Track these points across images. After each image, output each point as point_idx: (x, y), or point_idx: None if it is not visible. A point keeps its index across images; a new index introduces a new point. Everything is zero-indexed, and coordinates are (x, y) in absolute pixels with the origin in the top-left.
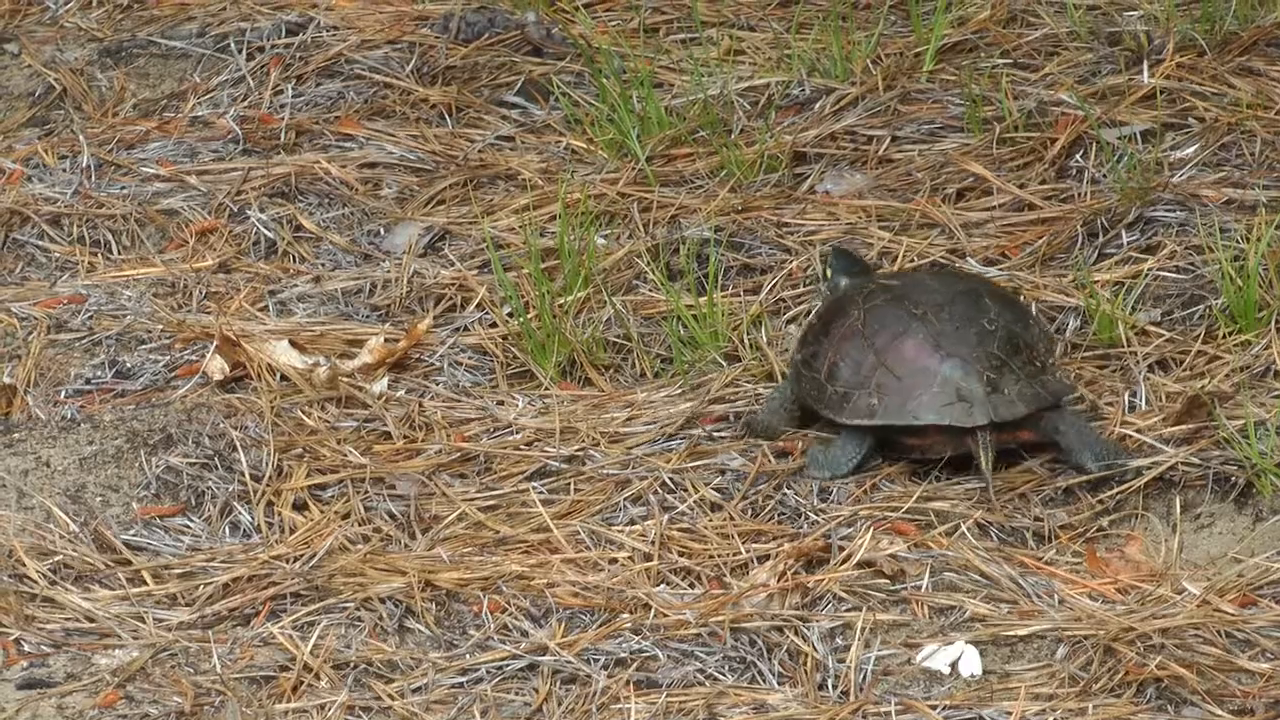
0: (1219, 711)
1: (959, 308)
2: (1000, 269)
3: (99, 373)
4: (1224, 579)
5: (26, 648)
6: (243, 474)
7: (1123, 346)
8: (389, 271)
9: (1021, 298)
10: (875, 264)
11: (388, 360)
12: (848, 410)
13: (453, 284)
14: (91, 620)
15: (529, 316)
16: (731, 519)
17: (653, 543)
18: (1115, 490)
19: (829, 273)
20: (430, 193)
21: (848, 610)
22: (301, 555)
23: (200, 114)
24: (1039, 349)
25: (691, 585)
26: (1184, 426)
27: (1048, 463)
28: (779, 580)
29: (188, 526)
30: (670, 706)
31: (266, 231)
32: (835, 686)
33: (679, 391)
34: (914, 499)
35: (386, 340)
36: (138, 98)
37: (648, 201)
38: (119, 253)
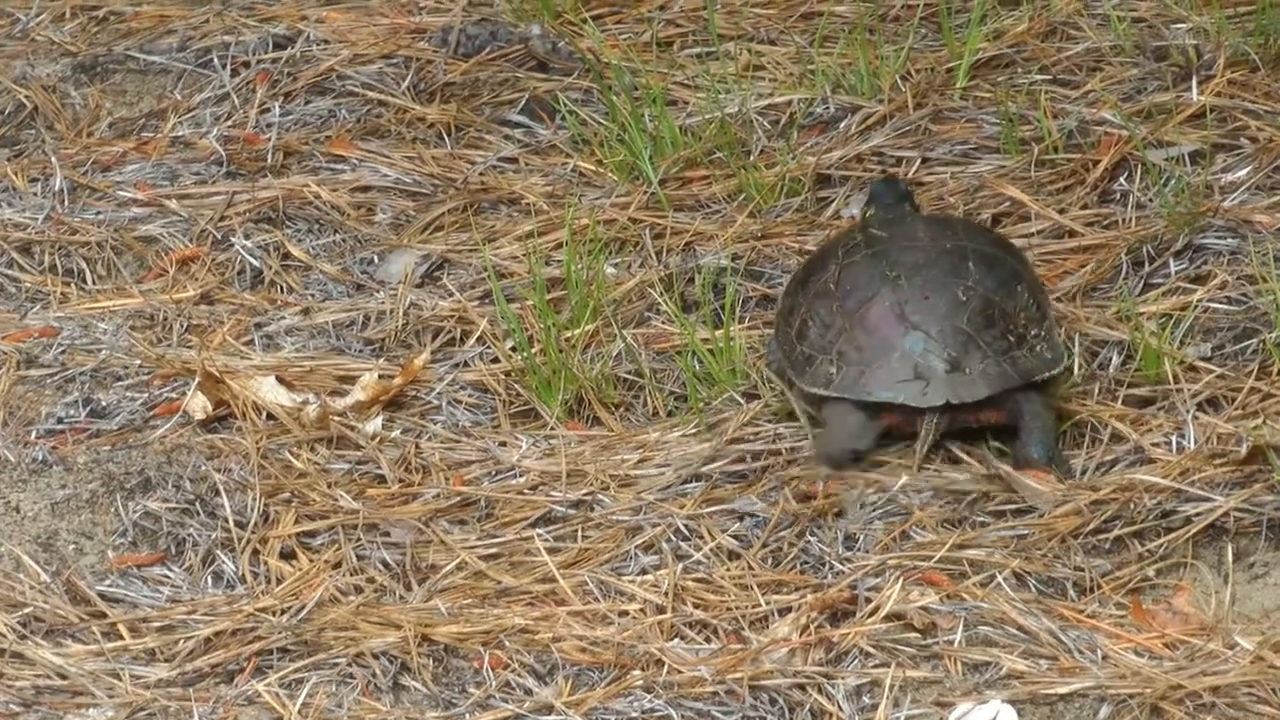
0: None
1: (936, 271)
2: None
3: (72, 411)
4: (1279, 633)
5: None
6: (226, 520)
7: (1170, 383)
8: (383, 303)
9: (1021, 257)
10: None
11: (382, 398)
12: (808, 375)
13: (452, 316)
14: (64, 677)
15: (533, 351)
16: (750, 568)
17: (666, 594)
18: (1163, 538)
19: (867, 202)
20: (428, 218)
21: (875, 666)
22: (289, 607)
23: (181, 134)
24: (1019, 320)
25: (707, 639)
26: (1234, 469)
27: (1091, 504)
28: (801, 634)
29: (167, 576)
30: None
31: (252, 260)
32: None
33: (694, 432)
34: (946, 547)
35: (381, 376)
36: (114, 116)
37: (661, 228)
38: (94, 283)
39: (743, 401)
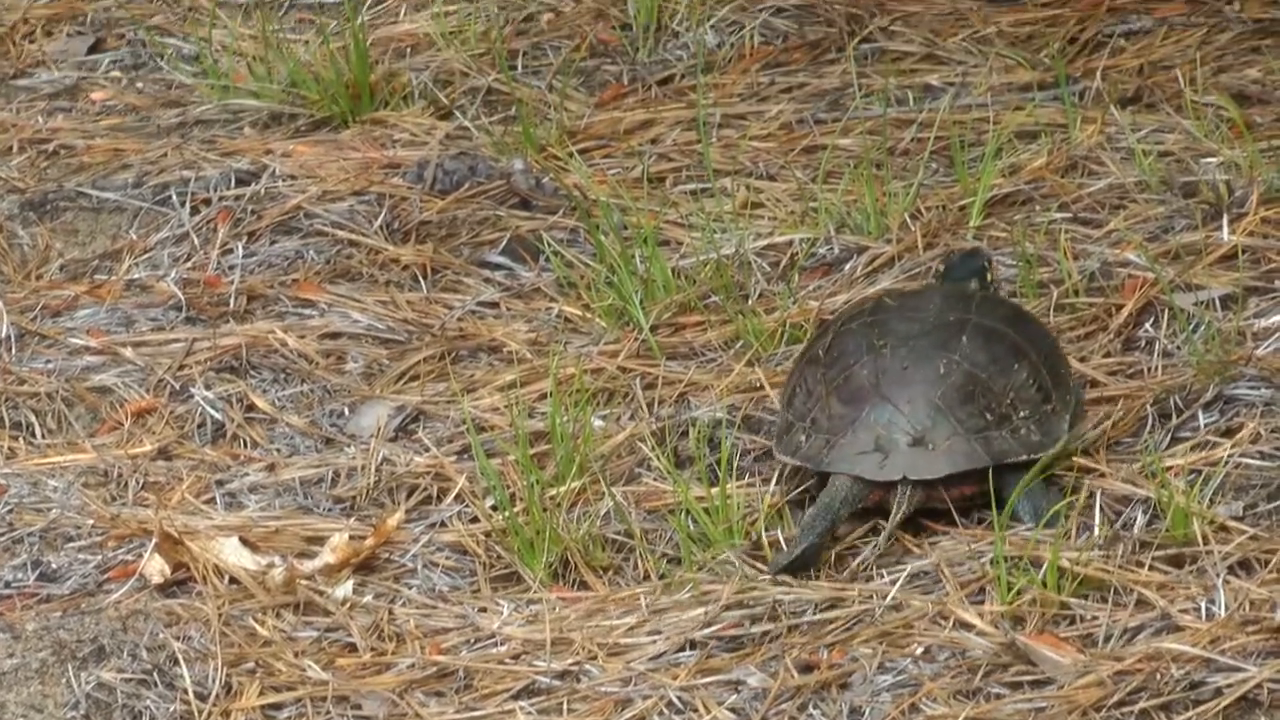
0: None
1: (925, 342)
2: None
3: (20, 575)
4: None
5: None
6: (186, 692)
7: (1199, 545)
8: (354, 458)
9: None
10: (987, 276)
11: (353, 561)
12: (783, 444)
13: (428, 473)
14: None
15: (516, 510)
16: None
17: None
18: (1191, 711)
19: (942, 273)
20: (402, 367)
21: None
22: None
23: (137, 276)
24: (1005, 399)
25: None
26: (1268, 637)
27: (1114, 674)
28: None
29: None
30: None
31: (213, 412)
32: None
33: (688, 596)
34: (960, 719)
35: (351, 537)
36: (65, 258)
37: (652, 377)
38: (43, 436)
39: (739, 564)
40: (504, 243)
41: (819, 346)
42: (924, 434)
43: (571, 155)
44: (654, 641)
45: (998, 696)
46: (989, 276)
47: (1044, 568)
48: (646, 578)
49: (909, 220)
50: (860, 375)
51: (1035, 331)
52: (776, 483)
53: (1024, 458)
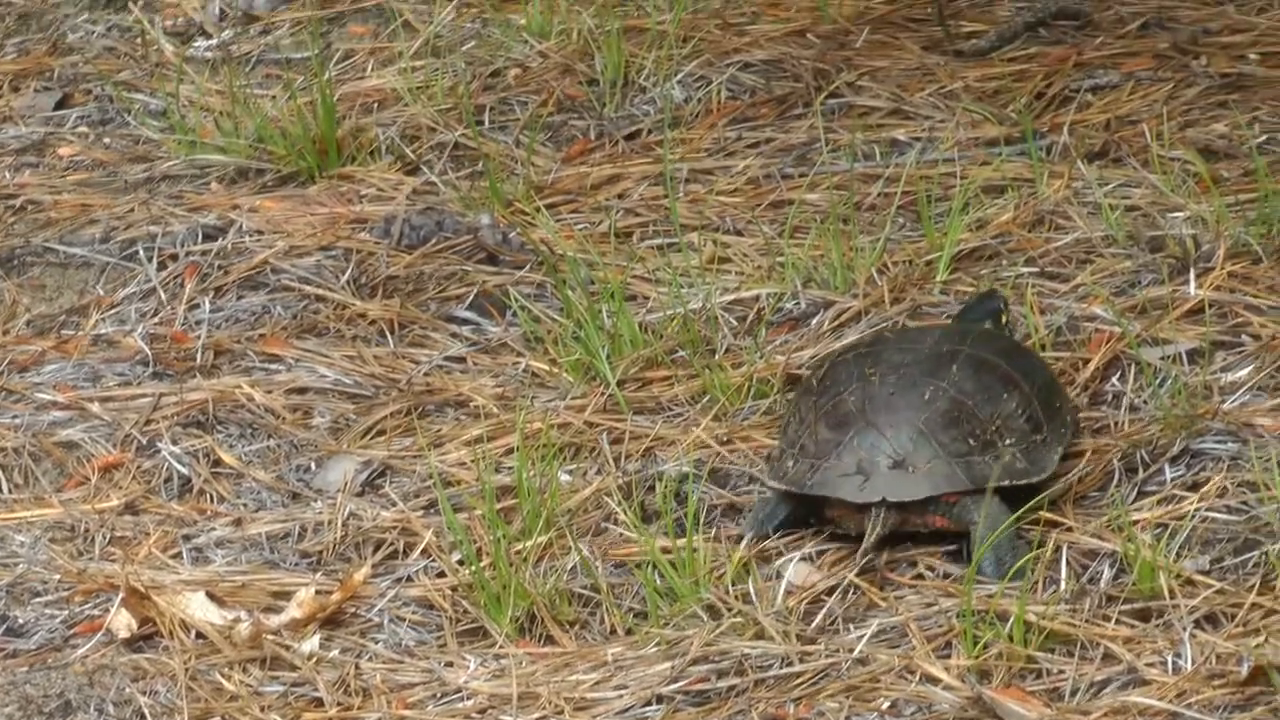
0: None
1: (914, 370)
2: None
3: None
4: None
5: None
6: None
7: (1165, 598)
8: (321, 513)
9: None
10: (1006, 323)
11: (319, 615)
12: (773, 470)
13: (394, 527)
14: None
15: (482, 565)
16: None
17: None
18: None
19: (959, 313)
20: (368, 422)
21: None
22: None
23: (104, 332)
24: (991, 426)
25: None
26: (1234, 691)
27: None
28: None
29: None
30: None
31: (180, 467)
32: None
33: (655, 650)
34: None
35: (318, 592)
36: (32, 313)
37: (619, 432)
38: (10, 491)
39: (706, 618)
40: (471, 298)
41: (814, 377)
42: (905, 457)
43: (539, 210)
44: (620, 696)
45: None
46: (1004, 319)
47: (1010, 622)
48: (613, 632)
49: (876, 275)
50: (848, 402)
51: (1030, 364)
52: (743, 538)
53: (1007, 483)
